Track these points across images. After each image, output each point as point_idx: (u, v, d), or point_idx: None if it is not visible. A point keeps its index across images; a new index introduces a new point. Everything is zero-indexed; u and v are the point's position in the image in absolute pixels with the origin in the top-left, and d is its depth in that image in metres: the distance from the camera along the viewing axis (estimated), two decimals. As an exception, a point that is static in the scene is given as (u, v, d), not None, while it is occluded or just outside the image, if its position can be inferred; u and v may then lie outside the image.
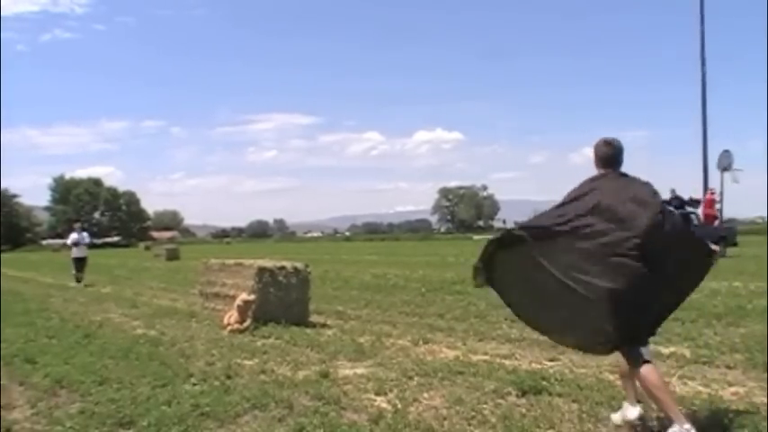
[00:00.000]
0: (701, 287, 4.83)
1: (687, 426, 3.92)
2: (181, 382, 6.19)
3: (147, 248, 62.60)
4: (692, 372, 6.12)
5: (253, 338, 8.62)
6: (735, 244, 24.04)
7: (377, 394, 5.60)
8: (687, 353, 6.86)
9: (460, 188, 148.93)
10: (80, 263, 19.91)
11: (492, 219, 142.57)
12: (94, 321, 10.94)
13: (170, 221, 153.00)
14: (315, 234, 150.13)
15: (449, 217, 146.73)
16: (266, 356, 7.36)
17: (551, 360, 6.80)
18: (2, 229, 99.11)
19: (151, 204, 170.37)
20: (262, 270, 9.86)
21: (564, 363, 6.64)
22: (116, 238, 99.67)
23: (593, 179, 4.29)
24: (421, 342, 8.07)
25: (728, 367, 6.28)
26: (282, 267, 10.02)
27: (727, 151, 26.83)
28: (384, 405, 5.26)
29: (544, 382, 5.65)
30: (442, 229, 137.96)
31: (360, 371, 6.52)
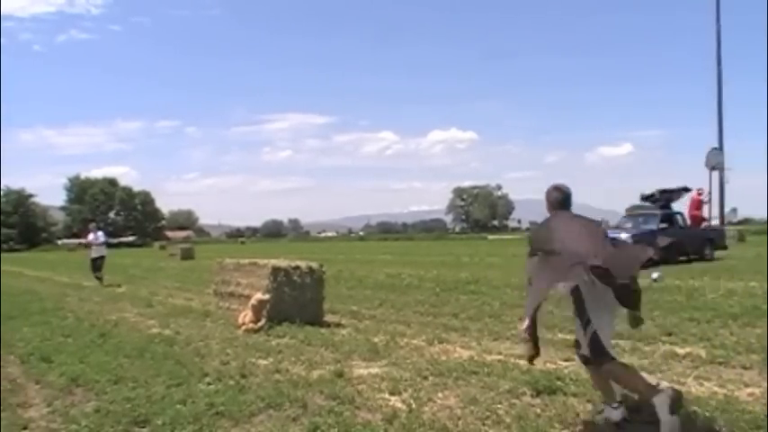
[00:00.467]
0: (717, 287, 4.81)
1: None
2: (196, 381, 6.22)
3: (162, 248, 62.90)
4: (708, 372, 6.07)
5: (267, 338, 8.63)
6: (724, 247, 23.28)
7: (391, 394, 5.60)
8: (703, 353, 6.80)
9: (475, 188, 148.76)
10: (96, 262, 19.95)
11: (506, 218, 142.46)
12: (110, 320, 11.00)
13: (185, 221, 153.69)
14: (329, 234, 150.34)
15: (463, 217, 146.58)
16: (281, 356, 7.37)
17: (566, 360, 6.75)
18: (18, 229, 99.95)
19: (166, 204, 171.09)
20: (276, 270, 9.88)
21: (579, 363, 6.60)
22: (131, 238, 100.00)
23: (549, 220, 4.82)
24: (435, 342, 8.05)
25: (745, 368, 6.22)
26: (297, 267, 10.03)
27: (716, 149, 25.94)
28: (398, 405, 5.25)
29: (559, 382, 5.62)
30: (457, 229, 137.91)
31: (374, 370, 6.51)
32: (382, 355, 7.23)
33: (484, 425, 4.69)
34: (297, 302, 9.81)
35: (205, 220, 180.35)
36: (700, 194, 24.41)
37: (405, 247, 55.92)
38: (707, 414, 4.65)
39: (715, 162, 25.64)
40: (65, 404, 5.68)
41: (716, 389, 5.49)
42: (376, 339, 8.21)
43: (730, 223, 60.42)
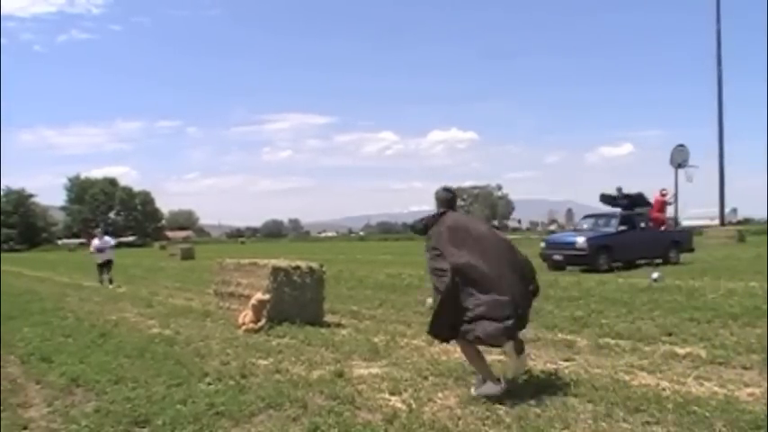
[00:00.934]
0: (717, 287, 4.83)
1: (502, 385, 5.30)
2: (196, 381, 6.22)
3: (163, 248, 62.89)
4: (708, 372, 6.06)
5: (267, 338, 8.64)
6: (691, 249, 21.72)
7: (391, 394, 5.60)
8: (703, 353, 6.80)
9: (475, 188, 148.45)
10: (107, 266, 19.66)
11: (507, 218, 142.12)
12: (110, 321, 11.01)
13: (185, 221, 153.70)
14: (329, 234, 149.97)
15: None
16: (281, 356, 7.37)
17: (566, 360, 6.76)
18: (18, 229, 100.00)
19: (166, 204, 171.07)
20: (276, 270, 9.88)
21: (579, 363, 6.61)
22: (131, 238, 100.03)
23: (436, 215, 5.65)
24: (435, 342, 8.04)
25: (745, 368, 6.22)
26: (297, 267, 10.03)
27: (681, 146, 24.98)
28: (398, 405, 5.25)
29: (559, 382, 5.63)
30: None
31: (374, 370, 6.51)
32: (382, 356, 7.23)
33: (484, 425, 4.69)
34: (297, 302, 9.81)
35: (205, 220, 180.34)
36: (664, 195, 23.38)
37: (405, 247, 55.80)
38: (707, 414, 4.65)
39: (680, 159, 24.69)
40: (65, 404, 5.68)
41: (716, 389, 5.49)
42: (376, 339, 8.20)
43: (730, 223, 60.57)
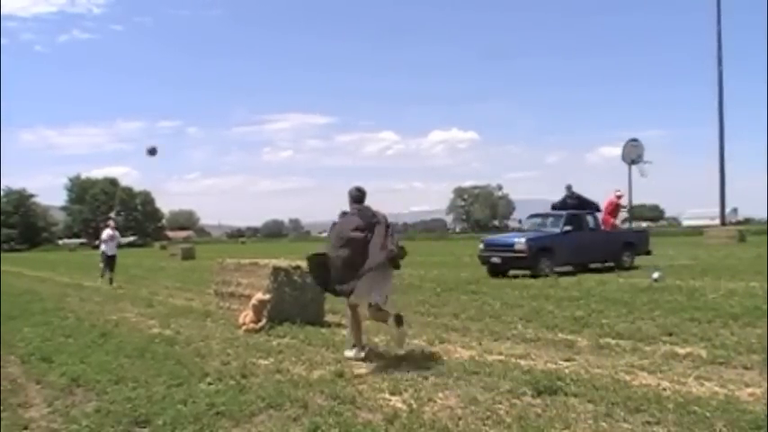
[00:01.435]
0: (718, 287, 4.83)
1: (363, 353, 7.13)
2: (196, 381, 6.22)
3: (163, 248, 62.92)
4: (709, 372, 6.06)
5: (268, 338, 8.64)
6: (648, 252, 20.24)
7: (392, 394, 5.60)
8: (704, 353, 6.80)
9: (476, 188, 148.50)
10: (110, 262, 19.50)
11: (507, 218, 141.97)
12: (110, 320, 11.01)
13: (185, 221, 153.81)
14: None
15: (464, 217, 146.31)
16: (281, 356, 7.37)
17: (567, 360, 6.76)
18: (19, 229, 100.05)
19: (167, 204, 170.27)
20: (277, 270, 9.88)
21: (579, 363, 6.61)
22: (131, 238, 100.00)
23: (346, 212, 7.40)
24: (436, 342, 8.05)
25: (746, 368, 6.22)
26: (297, 267, 10.02)
27: (635, 140, 22.53)
28: (399, 405, 5.25)
29: (559, 382, 5.62)
30: (457, 229, 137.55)
31: (374, 370, 6.52)
32: (382, 356, 7.23)
33: (484, 425, 4.69)
34: (297, 302, 9.81)
35: (206, 220, 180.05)
36: (619, 197, 21.36)
37: (405, 246, 55.85)
38: (707, 414, 4.64)
39: (634, 155, 21.89)
40: (65, 404, 5.68)
41: (717, 389, 5.48)
42: (376, 339, 8.20)
43: (731, 223, 60.58)
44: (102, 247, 19.93)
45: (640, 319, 9.06)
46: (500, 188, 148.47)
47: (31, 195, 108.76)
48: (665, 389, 5.45)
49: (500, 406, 5.08)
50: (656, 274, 14.27)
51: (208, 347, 8.06)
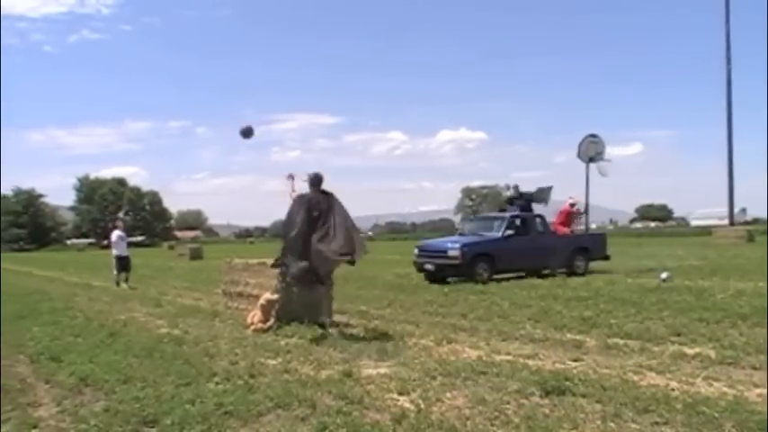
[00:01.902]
0: (727, 287, 4.81)
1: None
2: (204, 380, 6.23)
3: (171, 248, 63.05)
4: (717, 373, 6.04)
5: (276, 338, 8.65)
6: (605, 257, 18.80)
7: (400, 394, 5.60)
8: (712, 354, 6.78)
9: (484, 188, 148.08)
10: (125, 263, 19.16)
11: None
12: (119, 320, 11.04)
13: (194, 221, 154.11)
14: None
15: (472, 216, 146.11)
16: (289, 356, 7.38)
17: (575, 360, 6.75)
18: (28, 229, 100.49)
19: (175, 204, 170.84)
20: (284, 270, 9.87)
21: (588, 363, 6.60)
22: (140, 238, 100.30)
23: (303, 195, 9.11)
24: (444, 342, 8.04)
25: (754, 368, 6.19)
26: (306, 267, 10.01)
27: (594, 137, 20.39)
28: (407, 405, 5.25)
29: (567, 383, 5.61)
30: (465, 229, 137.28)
31: (383, 370, 6.52)
32: (391, 356, 7.23)
33: (492, 425, 4.69)
34: (305, 302, 9.80)
35: (214, 220, 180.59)
36: (572, 205, 19.74)
37: (413, 246, 55.86)
38: (716, 415, 4.63)
39: (593, 153, 19.74)
40: (74, 403, 5.70)
41: (725, 389, 5.47)
42: (385, 339, 8.20)
43: (739, 223, 60.27)
44: (114, 251, 19.46)
45: (649, 320, 9.03)
46: (508, 188, 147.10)
47: (40, 195, 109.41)
48: (673, 389, 5.44)
49: (508, 406, 5.07)
50: (664, 275, 14.23)
51: (216, 347, 8.08)
